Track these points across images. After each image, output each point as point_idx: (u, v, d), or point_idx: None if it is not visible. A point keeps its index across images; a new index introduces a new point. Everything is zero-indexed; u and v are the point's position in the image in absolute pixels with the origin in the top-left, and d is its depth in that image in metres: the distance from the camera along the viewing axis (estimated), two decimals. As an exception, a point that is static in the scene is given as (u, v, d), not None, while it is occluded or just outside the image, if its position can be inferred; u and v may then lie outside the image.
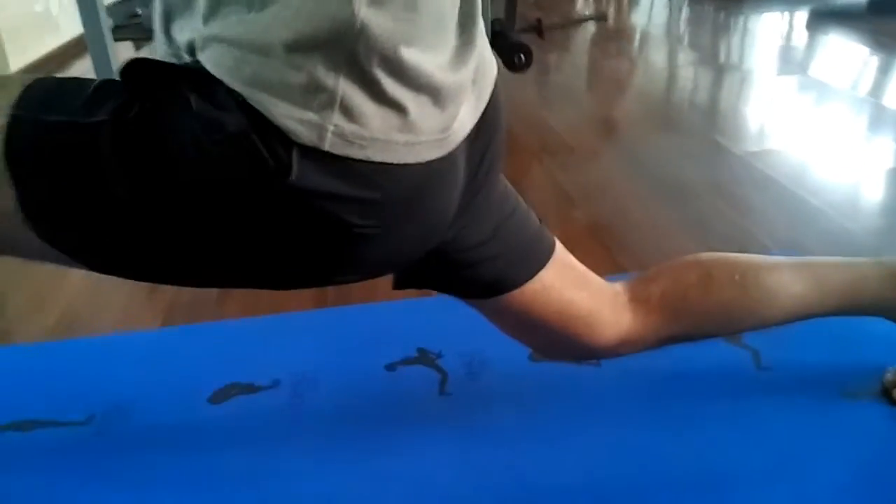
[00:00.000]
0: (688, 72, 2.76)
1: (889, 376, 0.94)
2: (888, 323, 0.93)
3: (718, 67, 2.76)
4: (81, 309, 1.29)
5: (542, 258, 0.78)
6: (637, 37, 3.43)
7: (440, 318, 1.09)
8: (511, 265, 0.76)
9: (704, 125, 2.13)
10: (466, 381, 1.02)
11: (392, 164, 0.57)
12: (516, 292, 0.77)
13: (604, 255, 1.37)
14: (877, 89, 2.37)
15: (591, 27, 3.58)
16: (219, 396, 1.02)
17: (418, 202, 0.62)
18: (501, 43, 2.52)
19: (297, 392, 1.02)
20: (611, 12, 3.80)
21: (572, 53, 3.18)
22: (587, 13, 3.79)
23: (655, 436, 0.91)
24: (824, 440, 0.89)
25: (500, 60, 2.51)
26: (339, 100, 0.54)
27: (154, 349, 1.14)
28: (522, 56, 2.53)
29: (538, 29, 3.06)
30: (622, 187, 1.70)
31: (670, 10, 3.86)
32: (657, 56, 3.08)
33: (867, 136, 1.97)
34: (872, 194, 1.63)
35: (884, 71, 2.56)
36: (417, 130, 0.58)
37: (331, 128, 0.54)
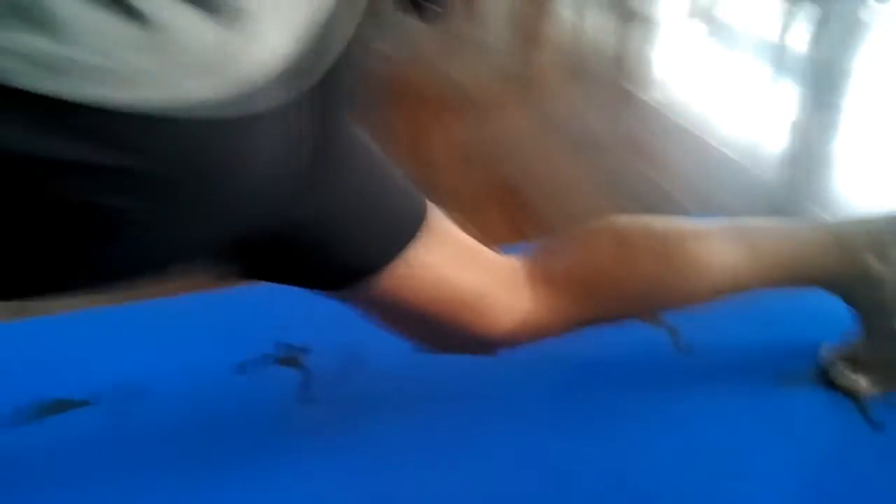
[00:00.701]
0: (597, 19, 2.62)
1: (826, 354, 0.81)
2: (825, 294, 0.80)
3: (628, 14, 2.63)
4: None
5: (409, 231, 0.60)
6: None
7: (306, 303, 0.89)
8: (368, 243, 0.57)
9: (614, 75, 1.99)
10: (336, 382, 0.83)
11: (146, 109, 0.37)
12: (378, 277, 0.59)
13: (505, 220, 1.20)
14: (786, 34, 2.30)
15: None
16: (23, 416, 0.79)
17: (209, 170, 0.41)
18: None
19: (120, 407, 0.80)
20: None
21: None
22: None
23: (563, 437, 0.75)
24: (755, 431, 0.75)
25: (408, 8, 2.29)
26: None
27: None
28: (435, 4, 2.31)
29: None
30: (528, 144, 1.53)
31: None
32: (565, 2, 2.92)
33: (777, 83, 1.89)
34: (786, 143, 1.54)
35: (792, 15, 2.49)
36: (178, 51, 0.37)
37: (9, 46, 0.33)
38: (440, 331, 0.66)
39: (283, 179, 0.47)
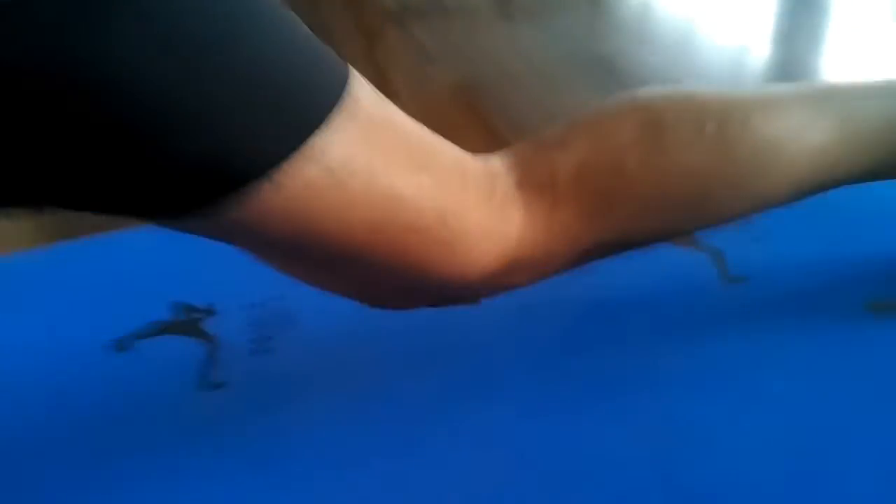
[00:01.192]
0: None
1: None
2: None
3: None
4: None
5: (317, 107, 0.35)
6: None
7: (210, 249, 0.66)
8: (240, 123, 0.32)
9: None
10: (251, 357, 0.60)
11: None
12: (267, 185, 0.34)
13: (475, 121, 0.96)
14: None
15: None
16: None
17: None
18: None
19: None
20: None
21: None
22: None
23: (575, 411, 0.53)
24: (837, 385, 0.53)
25: None
26: None
27: None
28: None
29: None
30: (499, 40, 1.29)
31: None
32: None
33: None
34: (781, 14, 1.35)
35: None
36: None
37: None
38: (386, 275, 0.43)
39: None
